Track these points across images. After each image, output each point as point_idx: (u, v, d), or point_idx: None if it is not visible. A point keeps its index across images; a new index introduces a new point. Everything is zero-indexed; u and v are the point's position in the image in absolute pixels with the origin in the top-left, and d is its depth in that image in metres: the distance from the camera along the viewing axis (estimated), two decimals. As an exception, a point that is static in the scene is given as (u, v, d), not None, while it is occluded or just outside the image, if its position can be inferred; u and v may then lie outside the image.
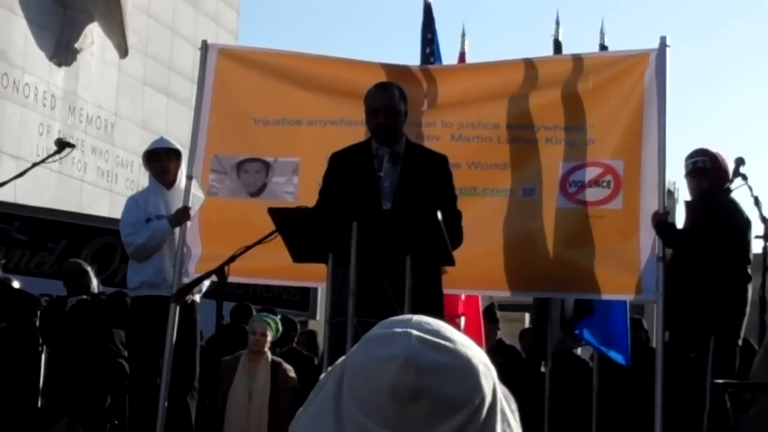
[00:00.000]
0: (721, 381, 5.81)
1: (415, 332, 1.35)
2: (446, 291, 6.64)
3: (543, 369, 9.16)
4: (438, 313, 5.18)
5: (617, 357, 7.83)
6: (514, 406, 1.41)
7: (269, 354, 8.42)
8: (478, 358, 1.36)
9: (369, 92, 5.70)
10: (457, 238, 5.40)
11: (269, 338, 8.39)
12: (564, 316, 7.78)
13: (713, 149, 6.81)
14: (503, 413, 1.37)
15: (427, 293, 5.18)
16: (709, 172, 6.66)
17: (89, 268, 8.09)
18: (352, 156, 5.60)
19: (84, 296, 7.90)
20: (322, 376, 1.42)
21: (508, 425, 1.37)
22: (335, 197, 5.49)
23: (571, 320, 7.77)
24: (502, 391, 1.39)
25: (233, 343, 8.88)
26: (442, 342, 1.35)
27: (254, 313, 10.01)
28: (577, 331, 7.83)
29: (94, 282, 8.07)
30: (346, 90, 6.74)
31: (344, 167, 5.58)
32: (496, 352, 9.43)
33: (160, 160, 7.05)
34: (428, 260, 5.28)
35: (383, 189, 5.47)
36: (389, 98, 5.60)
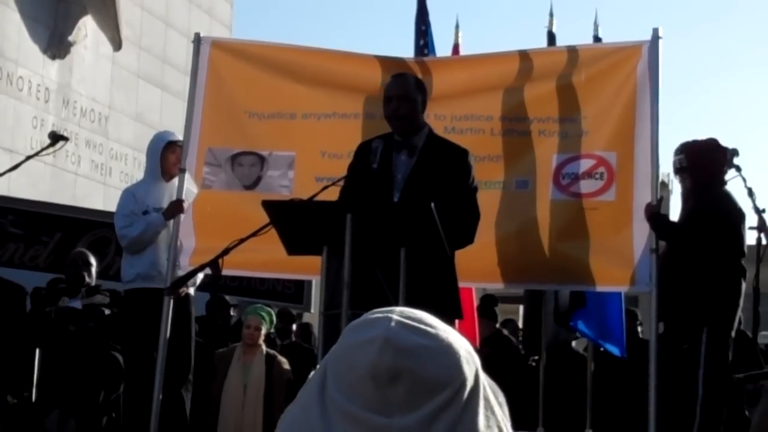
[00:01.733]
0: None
1: (395, 317, 1.36)
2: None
3: (531, 361, 9.19)
4: (453, 309, 5.20)
5: (612, 348, 7.84)
6: (502, 399, 1.41)
7: (264, 347, 8.43)
8: (459, 344, 1.36)
9: (386, 83, 5.71)
10: (465, 235, 5.38)
11: (263, 331, 8.39)
12: (559, 307, 7.79)
13: (700, 139, 6.78)
14: (487, 400, 1.37)
15: (442, 288, 5.18)
16: (686, 170, 6.70)
17: (92, 261, 8.06)
18: (371, 147, 5.59)
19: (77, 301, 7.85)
20: (313, 372, 1.44)
21: (492, 412, 1.37)
22: (352, 187, 5.49)
23: (566, 312, 7.78)
24: (489, 384, 1.40)
25: (209, 335, 8.89)
26: (423, 327, 1.36)
27: (230, 305, 10.03)
28: (572, 323, 7.85)
29: (94, 275, 8.04)
30: (340, 83, 6.74)
31: (361, 157, 5.57)
32: (491, 342, 9.45)
33: (176, 151, 7.05)
34: (423, 252, 5.27)
35: (396, 180, 5.45)
36: (403, 86, 5.61)
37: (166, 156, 7.08)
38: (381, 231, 5.05)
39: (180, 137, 7.17)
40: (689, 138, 6.89)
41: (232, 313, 10.12)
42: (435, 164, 5.46)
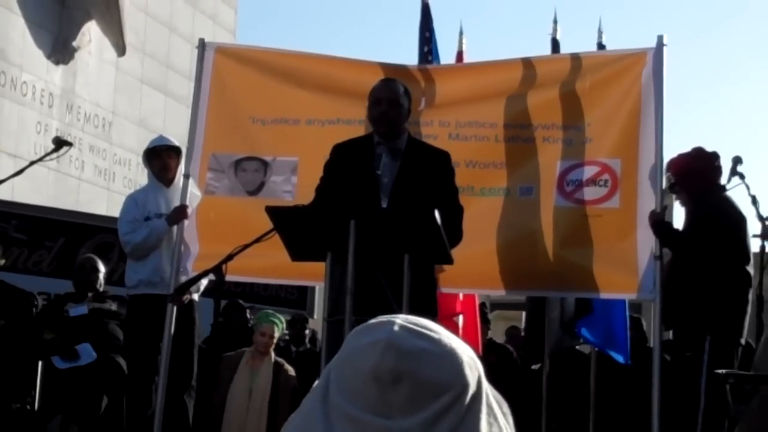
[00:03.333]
0: (722, 371, 5.82)
1: (399, 321, 1.36)
2: (444, 290, 6.66)
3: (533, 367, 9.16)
4: (430, 312, 5.21)
5: (617, 356, 7.83)
6: (506, 409, 1.41)
7: (272, 354, 8.42)
8: (462, 350, 1.36)
9: (374, 86, 5.76)
10: (456, 234, 5.40)
11: (276, 338, 8.41)
12: (564, 314, 7.78)
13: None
14: (490, 407, 1.37)
15: (419, 292, 5.18)
16: (675, 186, 6.73)
17: (101, 267, 8.05)
18: (354, 149, 5.61)
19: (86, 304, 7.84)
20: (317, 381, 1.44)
21: (495, 419, 1.37)
22: (334, 190, 5.50)
23: (571, 319, 7.77)
24: (493, 394, 1.40)
25: (229, 340, 8.88)
26: (426, 331, 1.36)
27: (245, 307, 9.97)
28: (576, 330, 7.84)
29: (102, 280, 8.03)
30: (344, 89, 6.74)
31: (345, 160, 5.59)
32: (488, 350, 9.45)
33: (161, 157, 7.05)
34: (426, 259, 5.28)
35: (382, 185, 5.48)
36: (393, 90, 5.64)
37: (151, 163, 7.10)
38: (385, 237, 5.05)
39: (171, 141, 7.17)
40: (693, 145, 6.90)
41: (249, 316, 10.05)
42: (419, 167, 5.51)
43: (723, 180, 6.75)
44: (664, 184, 6.78)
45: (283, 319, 8.62)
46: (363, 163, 5.50)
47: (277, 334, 8.39)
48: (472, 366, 1.37)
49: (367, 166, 5.48)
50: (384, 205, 5.45)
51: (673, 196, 6.90)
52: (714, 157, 6.73)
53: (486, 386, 1.38)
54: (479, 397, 1.36)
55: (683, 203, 6.82)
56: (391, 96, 5.61)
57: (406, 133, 5.71)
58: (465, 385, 1.34)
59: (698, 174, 6.67)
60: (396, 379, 1.32)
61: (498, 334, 11.61)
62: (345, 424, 1.33)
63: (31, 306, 8.02)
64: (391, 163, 5.51)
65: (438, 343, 1.35)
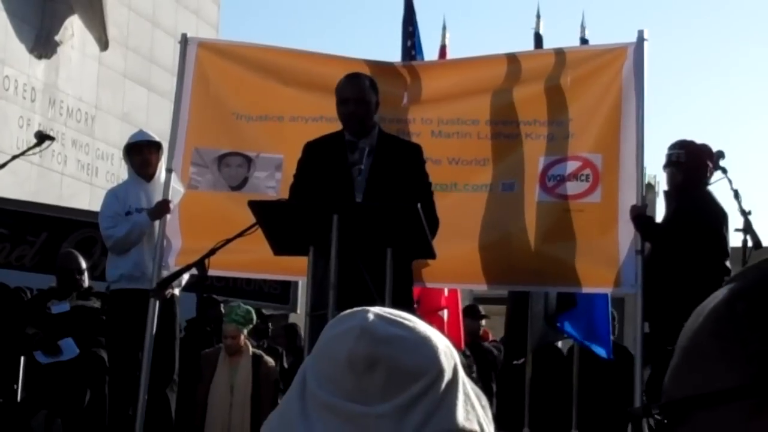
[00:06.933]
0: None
1: (373, 310, 1.38)
2: (429, 285, 6.68)
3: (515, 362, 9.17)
4: (407, 305, 5.24)
5: (599, 350, 7.85)
6: (485, 402, 1.43)
7: (250, 347, 8.40)
8: (437, 337, 1.38)
9: (339, 82, 5.74)
10: (435, 225, 5.39)
11: (243, 335, 8.33)
12: (547, 309, 7.80)
13: (697, 142, 6.86)
14: (467, 396, 1.38)
15: (396, 285, 5.20)
16: (682, 165, 6.73)
17: (83, 265, 8.01)
18: (327, 146, 5.61)
19: (68, 302, 7.81)
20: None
21: (473, 407, 1.38)
22: (309, 187, 5.50)
23: (554, 313, 7.79)
24: (471, 387, 1.41)
25: (205, 337, 8.87)
26: (400, 320, 1.38)
27: (220, 304, 9.92)
28: (558, 324, 7.86)
29: (86, 278, 8.01)
30: (328, 86, 6.72)
31: (319, 157, 5.59)
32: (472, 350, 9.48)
33: (141, 153, 7.05)
34: (409, 253, 5.30)
35: (356, 181, 5.48)
36: (359, 88, 5.63)
37: (131, 158, 7.09)
38: (367, 232, 5.06)
39: (151, 136, 7.17)
40: (674, 139, 6.95)
41: (223, 310, 10.01)
42: (391, 162, 5.52)
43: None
44: (666, 159, 6.83)
45: (250, 310, 8.49)
46: (335, 160, 5.50)
47: (244, 331, 8.32)
48: (448, 354, 1.38)
49: (340, 163, 5.48)
50: (359, 200, 5.45)
51: (667, 171, 6.89)
52: (715, 156, 6.78)
53: (463, 376, 1.40)
54: (455, 384, 1.37)
55: (673, 184, 6.82)
56: (357, 94, 5.60)
57: (377, 128, 5.71)
58: (440, 371, 1.36)
59: (704, 169, 6.72)
60: (371, 364, 1.33)
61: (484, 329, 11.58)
62: (322, 413, 1.34)
63: (16, 301, 8.00)
64: (365, 160, 5.52)
65: (413, 331, 1.37)
